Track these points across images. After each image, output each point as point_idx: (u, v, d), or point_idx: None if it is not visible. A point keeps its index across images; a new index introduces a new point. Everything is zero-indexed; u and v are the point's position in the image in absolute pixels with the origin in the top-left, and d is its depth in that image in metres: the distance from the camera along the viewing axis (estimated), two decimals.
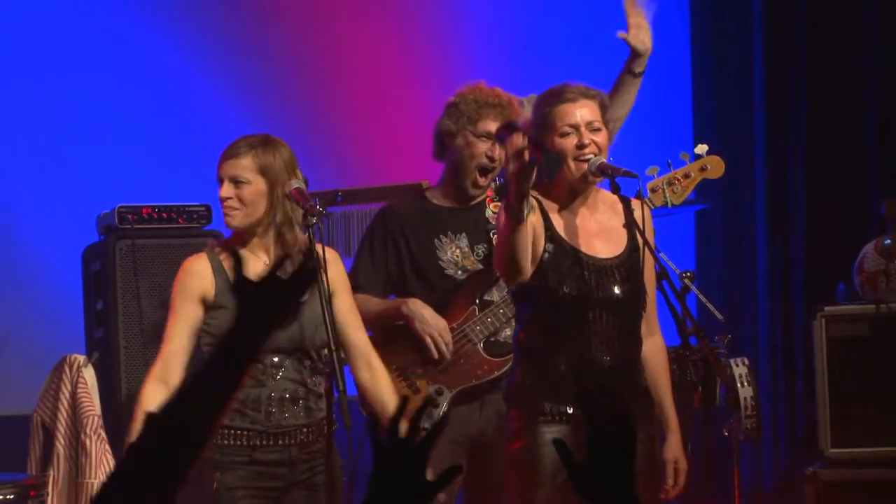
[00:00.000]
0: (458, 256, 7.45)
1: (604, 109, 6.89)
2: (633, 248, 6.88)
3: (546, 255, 6.87)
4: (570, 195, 6.85)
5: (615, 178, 6.74)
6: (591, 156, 6.75)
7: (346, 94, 10.22)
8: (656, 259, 6.85)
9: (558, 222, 6.86)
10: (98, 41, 10.17)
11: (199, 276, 6.71)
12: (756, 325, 10.12)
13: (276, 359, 6.64)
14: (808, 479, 8.71)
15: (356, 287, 7.27)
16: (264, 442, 6.64)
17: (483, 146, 7.34)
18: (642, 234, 6.77)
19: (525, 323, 7.00)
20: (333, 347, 6.56)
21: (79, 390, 8.45)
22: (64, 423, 8.48)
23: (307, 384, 6.70)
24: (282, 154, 6.75)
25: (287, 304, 3.96)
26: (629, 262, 6.87)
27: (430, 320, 7.32)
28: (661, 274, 6.75)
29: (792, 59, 10.57)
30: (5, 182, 9.56)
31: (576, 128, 6.75)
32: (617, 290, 6.84)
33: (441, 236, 7.47)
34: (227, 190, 6.67)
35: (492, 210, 7.51)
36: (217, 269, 6.70)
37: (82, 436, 8.42)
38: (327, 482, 6.72)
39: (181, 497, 6.04)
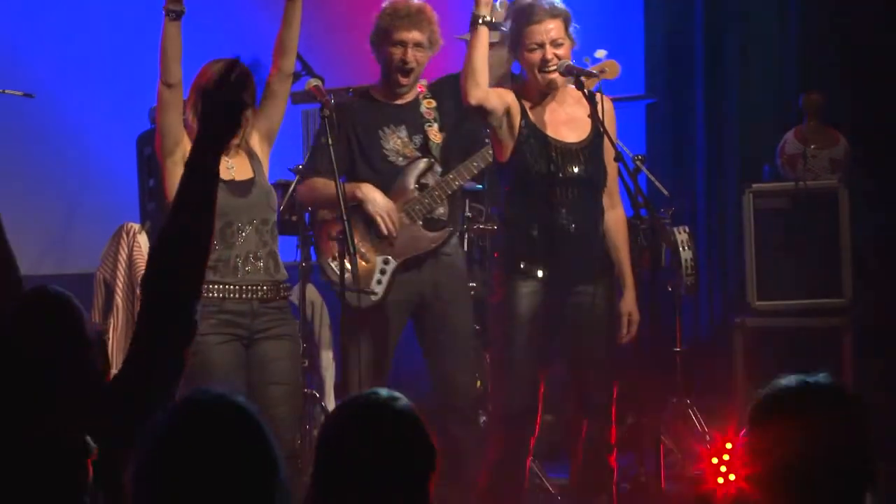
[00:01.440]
0: (399, 145, 7.40)
1: (567, 24, 6.93)
2: (595, 135, 6.91)
3: (521, 137, 6.93)
4: (540, 95, 6.94)
5: (578, 76, 6.79)
6: (554, 67, 6.83)
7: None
8: (614, 144, 6.77)
9: (533, 114, 6.95)
10: None
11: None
12: (695, 200, 10.02)
13: (239, 224, 6.65)
14: (738, 327, 8.87)
15: (316, 172, 7.35)
16: (231, 295, 6.64)
17: (398, 53, 7.30)
18: (601, 123, 6.80)
19: (504, 197, 7.10)
20: (346, 220, 6.71)
21: (134, 252, 8.48)
22: (122, 279, 8.48)
23: (267, 246, 6.71)
24: None
25: (232, 105, 4.09)
26: (592, 146, 6.91)
27: (380, 202, 7.27)
28: (618, 156, 6.66)
29: None
30: (76, 84, 9.48)
31: (541, 45, 6.86)
32: (579, 169, 6.91)
33: (384, 128, 7.39)
34: None
35: (425, 106, 7.45)
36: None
37: (137, 290, 8.28)
38: (291, 334, 6.81)
39: None
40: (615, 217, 7.03)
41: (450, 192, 7.37)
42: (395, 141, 7.42)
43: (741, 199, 8.98)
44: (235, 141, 6.63)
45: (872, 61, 9.56)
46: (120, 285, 8.58)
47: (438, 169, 7.44)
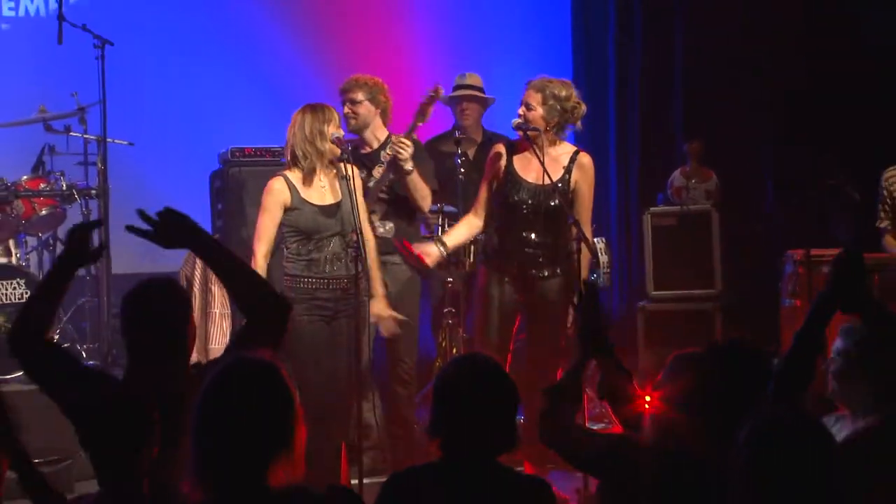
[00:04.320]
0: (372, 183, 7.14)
1: (538, 90, 6.80)
2: (563, 181, 6.81)
3: (505, 180, 6.90)
4: (526, 145, 6.86)
5: (525, 131, 6.79)
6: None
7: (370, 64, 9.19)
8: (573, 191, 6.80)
9: (517, 162, 6.90)
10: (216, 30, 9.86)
11: (280, 192, 6.63)
12: (609, 219, 9.89)
13: (328, 236, 6.61)
14: (640, 311, 8.86)
15: None
16: (321, 286, 6.63)
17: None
18: (577, 178, 6.82)
19: (495, 219, 7.03)
20: (359, 231, 6.57)
21: None
22: (199, 276, 8.43)
23: (346, 252, 6.63)
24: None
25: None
26: (559, 189, 6.79)
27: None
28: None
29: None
30: (168, 135, 9.42)
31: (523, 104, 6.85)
32: (548, 203, 6.85)
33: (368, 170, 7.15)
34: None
35: (386, 152, 7.12)
36: (290, 186, 6.61)
37: (209, 284, 8.40)
38: (356, 315, 6.67)
39: None
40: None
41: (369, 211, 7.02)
42: (371, 180, 7.20)
43: (642, 219, 8.94)
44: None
45: (736, 115, 9.45)
46: (197, 282, 8.46)
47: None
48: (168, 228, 4.05)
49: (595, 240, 8.14)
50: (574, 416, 4.20)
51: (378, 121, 7.32)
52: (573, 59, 10.16)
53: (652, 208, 9.05)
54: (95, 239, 4.25)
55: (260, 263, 6.55)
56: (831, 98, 9.06)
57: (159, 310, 4.19)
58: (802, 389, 3.66)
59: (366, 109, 7.27)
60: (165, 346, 4.17)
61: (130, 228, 3.99)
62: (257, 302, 4.07)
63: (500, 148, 7.04)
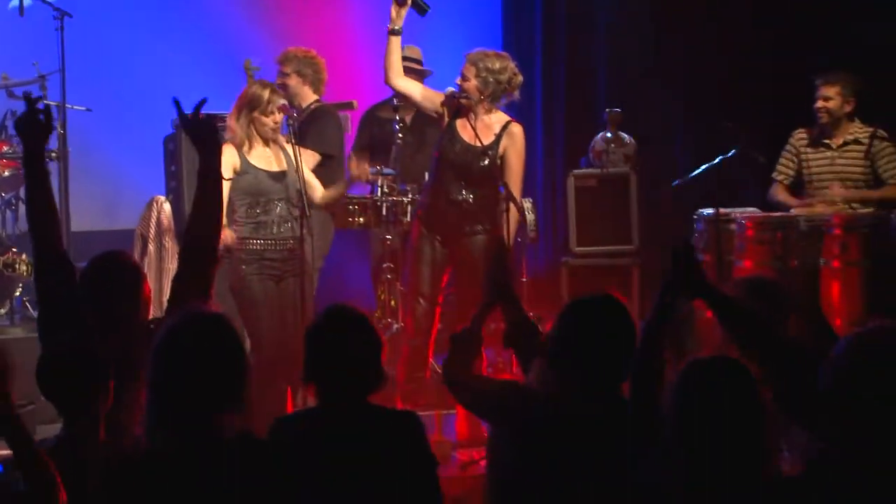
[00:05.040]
0: None
1: (473, 63, 6.86)
2: (493, 147, 6.87)
3: (446, 140, 6.93)
4: (468, 111, 6.88)
5: (457, 98, 6.90)
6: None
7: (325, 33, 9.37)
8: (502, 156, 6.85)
9: (458, 123, 6.93)
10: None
11: (230, 156, 6.54)
12: (536, 180, 9.78)
13: (275, 201, 6.61)
14: (564, 265, 8.90)
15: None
16: (269, 248, 6.63)
17: None
18: (506, 146, 6.86)
19: (428, 177, 7.16)
20: (305, 195, 6.59)
21: (162, 216, 8.39)
22: (153, 233, 8.38)
23: (291, 215, 6.65)
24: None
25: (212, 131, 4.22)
26: (488, 153, 6.86)
27: None
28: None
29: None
30: (124, 102, 9.31)
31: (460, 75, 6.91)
32: (475, 163, 6.91)
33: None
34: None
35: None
36: (239, 152, 6.61)
37: (163, 240, 8.37)
38: (304, 273, 6.67)
39: (222, 277, 6.20)
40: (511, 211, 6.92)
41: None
42: None
43: (566, 181, 9.00)
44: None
45: (657, 87, 9.44)
46: (152, 237, 8.40)
47: None
48: (197, 121, 4.19)
49: (523, 200, 8.29)
50: (472, 362, 4.17)
51: (306, 90, 7.45)
52: (503, 35, 10.13)
53: (575, 171, 9.06)
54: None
55: None
56: (738, 69, 9.07)
57: (111, 287, 4.27)
58: (655, 378, 3.60)
59: (294, 81, 7.42)
60: (119, 314, 4.25)
61: (177, 103, 4.28)
62: (202, 235, 4.16)
63: (447, 105, 7.07)
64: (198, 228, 4.20)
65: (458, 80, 6.93)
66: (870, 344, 3.23)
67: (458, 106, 6.94)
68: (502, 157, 6.97)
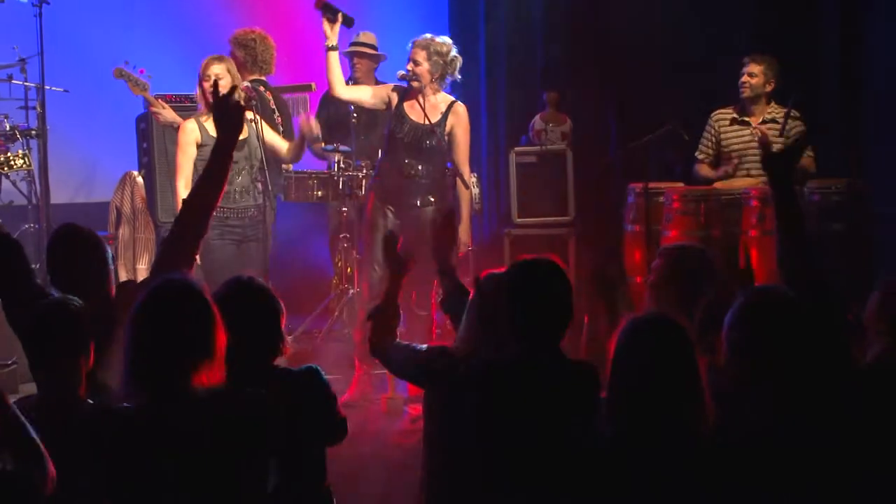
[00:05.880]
0: None
1: (423, 48, 6.89)
2: (440, 125, 6.90)
3: (395, 120, 6.96)
4: (417, 93, 6.92)
5: (410, 80, 6.89)
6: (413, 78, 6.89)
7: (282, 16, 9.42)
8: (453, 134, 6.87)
9: (405, 104, 6.97)
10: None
11: (192, 131, 6.65)
12: (480, 157, 9.71)
13: (235, 171, 6.56)
14: (506, 235, 8.85)
15: None
16: (231, 215, 6.63)
17: None
18: (453, 124, 6.90)
19: (383, 152, 7.10)
20: (265, 165, 6.67)
21: (135, 189, 8.48)
22: (128, 205, 8.52)
23: (253, 183, 6.66)
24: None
25: (237, 114, 4.16)
26: (436, 131, 6.89)
27: None
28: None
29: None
30: (99, 83, 8.86)
31: (409, 59, 6.93)
32: (424, 140, 6.94)
33: None
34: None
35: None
36: (200, 126, 6.66)
37: (136, 212, 8.47)
38: (264, 238, 6.72)
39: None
40: (460, 187, 6.99)
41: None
42: None
43: (508, 157, 8.96)
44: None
45: (592, 70, 9.38)
46: (126, 209, 8.51)
47: None
48: (226, 103, 4.17)
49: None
50: (393, 331, 4.14)
51: (241, 72, 7.33)
52: (449, 24, 10.10)
53: (516, 148, 9.04)
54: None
55: (180, 193, 6.56)
56: (669, 54, 9.06)
57: (75, 256, 4.29)
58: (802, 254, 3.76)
59: (234, 61, 7.34)
60: (85, 280, 4.23)
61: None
62: (202, 202, 4.08)
63: (391, 91, 7.11)
64: (200, 194, 4.12)
65: (409, 66, 6.95)
66: (756, 303, 3.38)
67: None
68: (449, 134, 7.00)
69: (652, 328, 3.31)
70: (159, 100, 7.46)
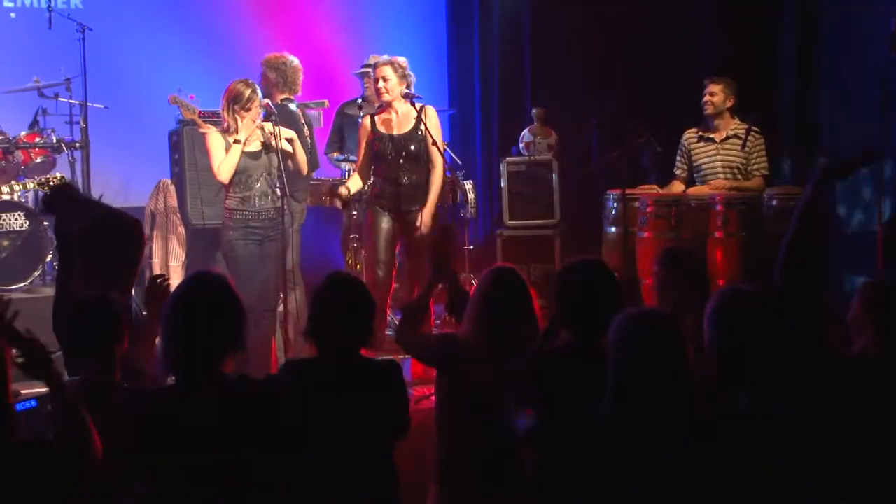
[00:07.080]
0: None
1: (393, 67, 6.84)
2: (416, 129, 6.84)
3: (373, 137, 6.87)
4: (382, 110, 6.92)
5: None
6: (385, 93, 6.83)
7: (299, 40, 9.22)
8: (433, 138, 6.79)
9: (379, 123, 6.91)
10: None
11: (219, 140, 6.54)
12: (476, 166, 9.83)
13: (255, 177, 6.51)
14: (499, 236, 8.79)
15: None
16: (252, 217, 6.54)
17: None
18: (426, 124, 6.80)
19: (375, 169, 7.02)
20: (283, 172, 6.51)
21: (167, 195, 8.45)
22: (162, 208, 8.51)
23: (272, 189, 6.55)
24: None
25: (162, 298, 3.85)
26: (414, 137, 6.85)
27: None
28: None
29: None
30: (136, 100, 9.13)
31: (377, 80, 6.88)
32: (406, 148, 6.87)
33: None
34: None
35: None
36: (224, 139, 6.55)
37: (169, 214, 8.44)
38: (283, 238, 6.60)
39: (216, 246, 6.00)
40: (435, 173, 6.92)
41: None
42: None
43: (500, 166, 8.90)
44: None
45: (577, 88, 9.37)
46: (160, 211, 8.50)
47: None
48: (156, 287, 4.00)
49: (465, 182, 8.33)
50: (421, 325, 4.37)
51: (273, 91, 7.36)
52: (447, 47, 10.05)
53: (508, 158, 9.00)
54: None
55: (218, 169, 6.59)
56: (647, 76, 9.03)
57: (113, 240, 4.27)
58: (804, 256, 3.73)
59: (266, 81, 7.40)
60: (119, 274, 4.18)
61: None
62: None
63: (365, 120, 7.06)
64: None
65: (381, 84, 6.89)
66: (726, 301, 3.41)
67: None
68: (426, 136, 6.91)
69: (641, 321, 3.30)
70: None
